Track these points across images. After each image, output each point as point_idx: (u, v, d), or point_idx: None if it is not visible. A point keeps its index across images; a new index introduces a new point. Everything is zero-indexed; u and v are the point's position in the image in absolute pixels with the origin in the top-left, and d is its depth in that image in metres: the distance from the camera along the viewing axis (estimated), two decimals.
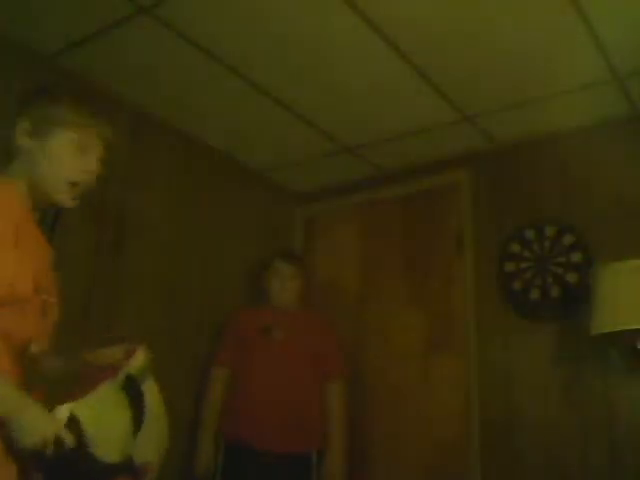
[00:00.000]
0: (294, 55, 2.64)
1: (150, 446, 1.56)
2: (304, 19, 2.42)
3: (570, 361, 2.83)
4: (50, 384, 1.53)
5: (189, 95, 2.97)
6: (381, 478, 3.21)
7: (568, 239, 2.98)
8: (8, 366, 1.36)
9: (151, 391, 1.61)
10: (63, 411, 1.34)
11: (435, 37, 2.49)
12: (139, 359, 1.62)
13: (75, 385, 1.54)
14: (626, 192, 2.87)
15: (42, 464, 1.28)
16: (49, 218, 1.60)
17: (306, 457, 2.85)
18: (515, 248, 3.11)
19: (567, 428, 2.76)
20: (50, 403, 1.36)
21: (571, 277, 2.93)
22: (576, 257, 2.94)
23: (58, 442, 1.29)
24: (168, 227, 3.16)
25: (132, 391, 1.56)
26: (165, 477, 1.84)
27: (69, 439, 1.31)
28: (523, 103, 2.93)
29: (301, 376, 2.92)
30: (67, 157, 1.54)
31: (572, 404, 2.78)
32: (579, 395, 2.77)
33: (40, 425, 1.29)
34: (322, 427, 2.91)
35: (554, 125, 3.09)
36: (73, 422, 1.34)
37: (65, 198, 1.54)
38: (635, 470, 2.56)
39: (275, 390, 2.84)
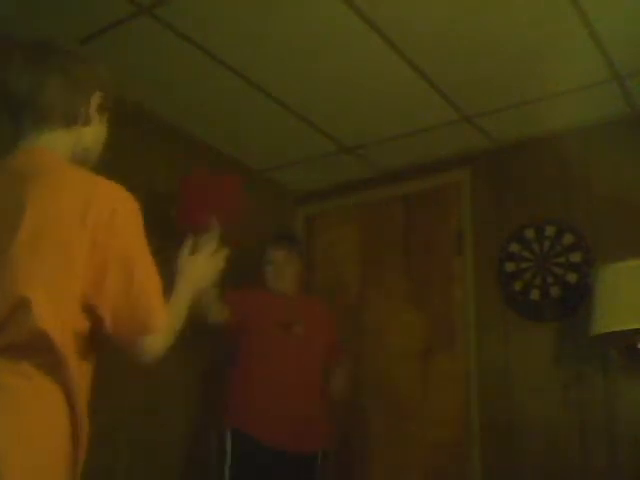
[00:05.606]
0: (294, 55, 2.64)
1: None
2: (304, 19, 2.42)
3: (570, 361, 2.83)
4: None
5: (189, 95, 2.97)
6: (381, 479, 3.21)
7: (568, 239, 2.98)
8: None
9: None
10: None
11: (435, 38, 2.49)
12: None
13: None
14: (626, 192, 2.87)
15: None
16: None
17: (314, 457, 2.82)
18: (515, 248, 3.11)
19: (567, 428, 2.76)
20: None
21: (571, 277, 2.93)
22: (576, 257, 2.94)
23: None
24: (167, 226, 3.15)
25: None
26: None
27: None
28: (523, 103, 2.93)
29: (315, 374, 2.85)
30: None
31: (572, 404, 2.78)
32: (579, 395, 2.77)
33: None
34: (328, 426, 2.88)
35: (554, 125, 3.09)
36: None
37: None
38: (635, 470, 2.56)
39: (291, 389, 2.77)
